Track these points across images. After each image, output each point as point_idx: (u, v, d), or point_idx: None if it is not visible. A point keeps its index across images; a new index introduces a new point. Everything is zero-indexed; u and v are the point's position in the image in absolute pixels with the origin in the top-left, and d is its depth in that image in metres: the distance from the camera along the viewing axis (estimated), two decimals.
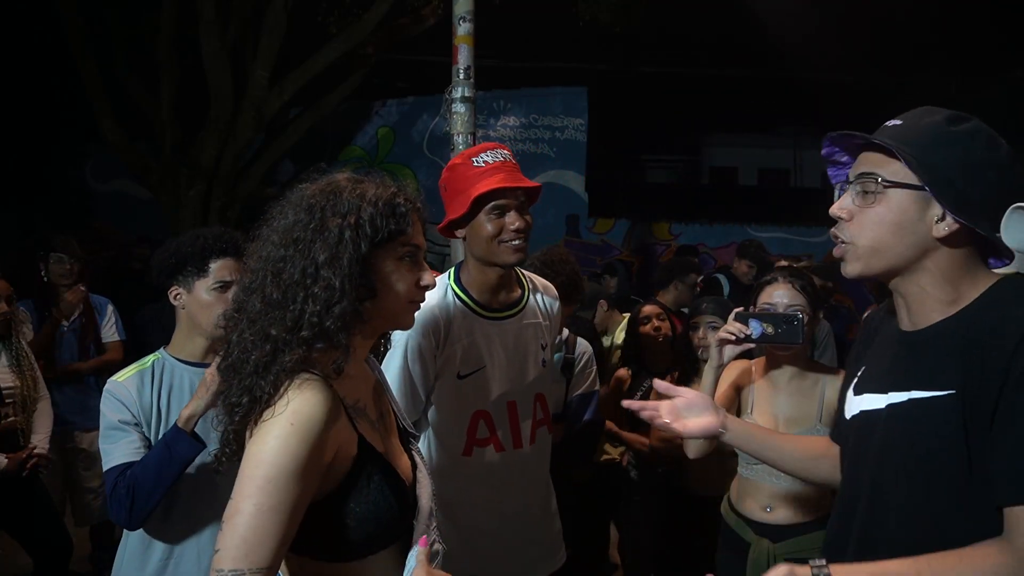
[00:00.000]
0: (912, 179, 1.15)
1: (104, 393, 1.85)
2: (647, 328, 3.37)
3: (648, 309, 3.46)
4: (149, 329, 3.96)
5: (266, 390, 1.11)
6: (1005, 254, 1.20)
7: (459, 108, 4.06)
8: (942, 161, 1.13)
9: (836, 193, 1.29)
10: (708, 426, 1.51)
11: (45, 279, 3.66)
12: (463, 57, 4.06)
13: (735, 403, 2.28)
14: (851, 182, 1.22)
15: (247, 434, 1.13)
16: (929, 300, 1.20)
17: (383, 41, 7.38)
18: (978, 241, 1.18)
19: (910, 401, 1.19)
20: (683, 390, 1.55)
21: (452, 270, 2.02)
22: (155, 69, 6.80)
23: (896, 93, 9.59)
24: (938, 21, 8.69)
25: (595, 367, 2.80)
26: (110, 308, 3.92)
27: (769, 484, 2.13)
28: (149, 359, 1.92)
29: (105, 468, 1.79)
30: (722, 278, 5.39)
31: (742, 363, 2.25)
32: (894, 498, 1.20)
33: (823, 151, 1.30)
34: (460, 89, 4.06)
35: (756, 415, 2.21)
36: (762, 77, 11.18)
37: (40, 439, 3.09)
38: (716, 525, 2.44)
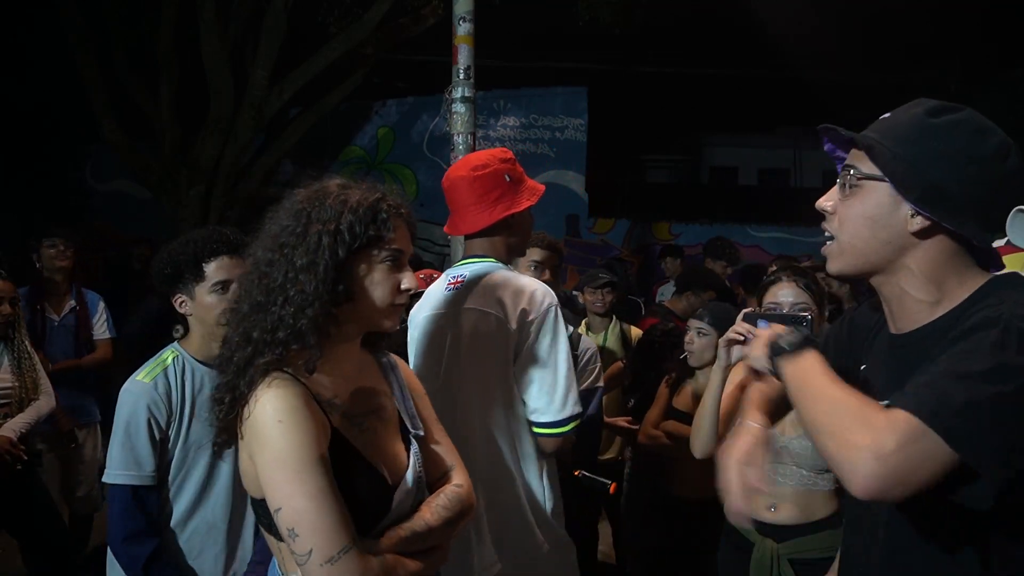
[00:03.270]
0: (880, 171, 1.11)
1: (125, 393, 1.78)
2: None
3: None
4: (141, 330, 3.93)
5: (242, 389, 1.20)
6: (993, 260, 1.15)
7: (459, 108, 4.05)
8: (916, 153, 1.08)
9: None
10: None
11: (38, 265, 3.62)
12: (463, 57, 4.05)
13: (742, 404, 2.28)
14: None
15: (238, 432, 1.21)
16: (910, 301, 1.15)
17: (383, 41, 7.38)
18: (967, 239, 1.11)
19: None
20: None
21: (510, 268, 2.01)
22: (155, 69, 6.80)
23: (896, 93, 9.59)
24: (938, 21, 8.70)
25: (599, 364, 2.82)
26: (101, 305, 3.86)
27: (774, 484, 2.13)
28: (168, 356, 1.85)
29: (114, 478, 1.74)
30: None
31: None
32: (892, 514, 1.16)
33: (825, 147, 1.26)
34: (460, 89, 4.05)
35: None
36: (762, 77, 11.21)
37: (13, 423, 2.99)
38: (704, 526, 2.45)
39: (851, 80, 9.79)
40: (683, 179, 16.98)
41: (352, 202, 1.25)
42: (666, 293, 6.64)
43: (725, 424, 2.19)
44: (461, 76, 4.06)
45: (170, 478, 1.81)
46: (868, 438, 0.97)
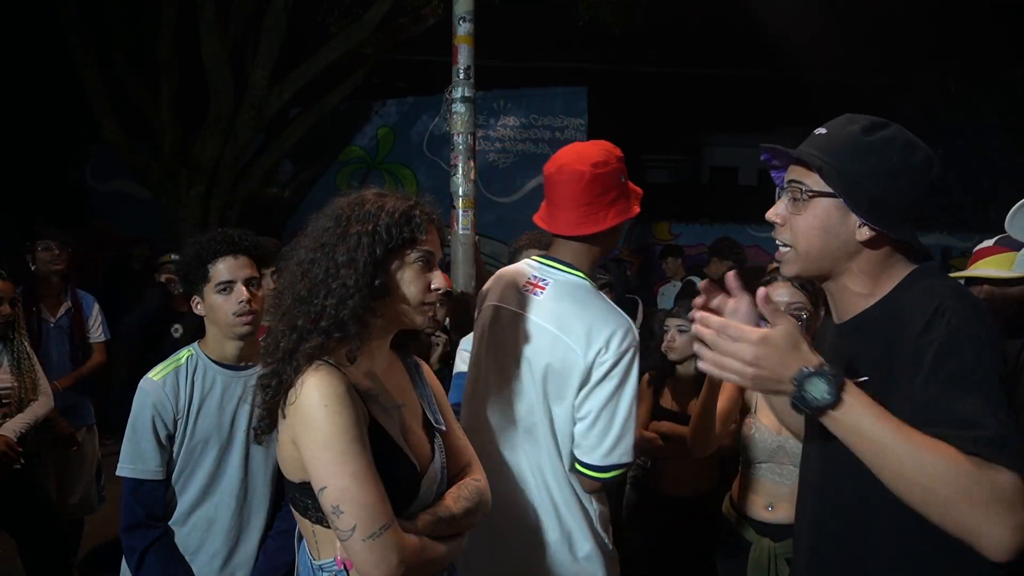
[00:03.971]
0: (830, 189, 1.24)
1: (138, 390, 1.83)
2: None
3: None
4: (139, 328, 3.91)
5: (289, 374, 1.29)
6: (924, 255, 1.28)
7: (459, 108, 4.06)
8: (858, 170, 1.22)
9: (777, 195, 1.36)
10: None
11: (32, 267, 3.61)
12: (463, 57, 4.06)
13: (739, 403, 2.28)
14: (784, 188, 1.31)
15: (279, 413, 1.31)
16: (849, 294, 1.30)
17: (383, 41, 7.39)
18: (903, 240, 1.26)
19: None
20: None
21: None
22: (155, 69, 6.80)
23: (896, 93, 9.59)
24: (938, 21, 8.69)
25: None
26: (96, 307, 3.83)
27: (771, 483, 2.13)
28: (183, 355, 1.89)
29: (121, 471, 1.81)
30: (697, 280, 5.33)
31: None
32: (839, 495, 1.28)
33: (762, 156, 1.37)
34: (460, 89, 4.06)
35: (760, 415, 2.21)
36: (762, 77, 11.19)
37: (13, 423, 2.99)
38: (702, 525, 2.44)
39: (851, 80, 9.77)
40: (683, 179, 16.96)
41: (388, 207, 1.36)
42: (667, 293, 6.65)
43: (723, 423, 2.20)
44: (461, 76, 4.06)
45: (175, 474, 1.85)
46: (993, 516, 1.00)
